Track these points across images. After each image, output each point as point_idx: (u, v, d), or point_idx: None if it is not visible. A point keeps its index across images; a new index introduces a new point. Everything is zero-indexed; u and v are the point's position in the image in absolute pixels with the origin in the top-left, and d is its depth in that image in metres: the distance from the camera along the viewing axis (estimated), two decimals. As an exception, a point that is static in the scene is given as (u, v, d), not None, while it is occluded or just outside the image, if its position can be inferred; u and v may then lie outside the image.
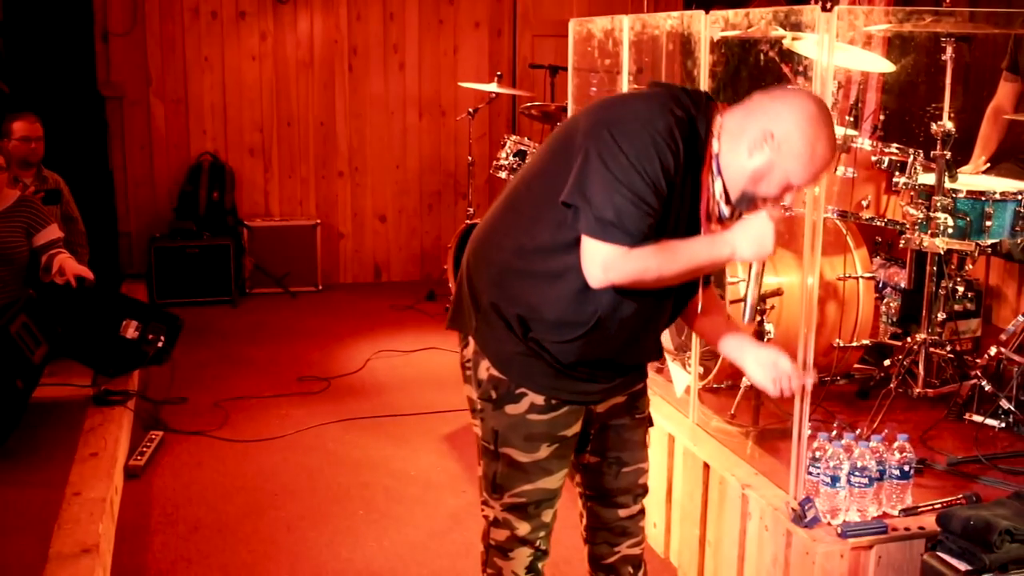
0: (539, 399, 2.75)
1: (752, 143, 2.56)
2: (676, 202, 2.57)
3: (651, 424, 3.05)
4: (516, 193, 2.77)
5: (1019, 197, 4.23)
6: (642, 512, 3.07)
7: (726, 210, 2.64)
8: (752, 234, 2.55)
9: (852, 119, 4.76)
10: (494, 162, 7.24)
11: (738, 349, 2.88)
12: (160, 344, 5.47)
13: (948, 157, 4.25)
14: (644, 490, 3.05)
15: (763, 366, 2.80)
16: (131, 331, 5.42)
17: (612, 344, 2.72)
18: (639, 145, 2.49)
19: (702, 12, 4.06)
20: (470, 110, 7.89)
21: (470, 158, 8.01)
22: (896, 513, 3.38)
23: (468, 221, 7.48)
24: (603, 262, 2.50)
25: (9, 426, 4.57)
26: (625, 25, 4.72)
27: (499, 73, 7.66)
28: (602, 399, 2.87)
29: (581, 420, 2.84)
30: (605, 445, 2.95)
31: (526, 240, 2.67)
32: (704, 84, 4.06)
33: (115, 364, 5.43)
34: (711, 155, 2.60)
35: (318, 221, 8.56)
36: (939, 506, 3.38)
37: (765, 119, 2.56)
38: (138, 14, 8.19)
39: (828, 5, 3.33)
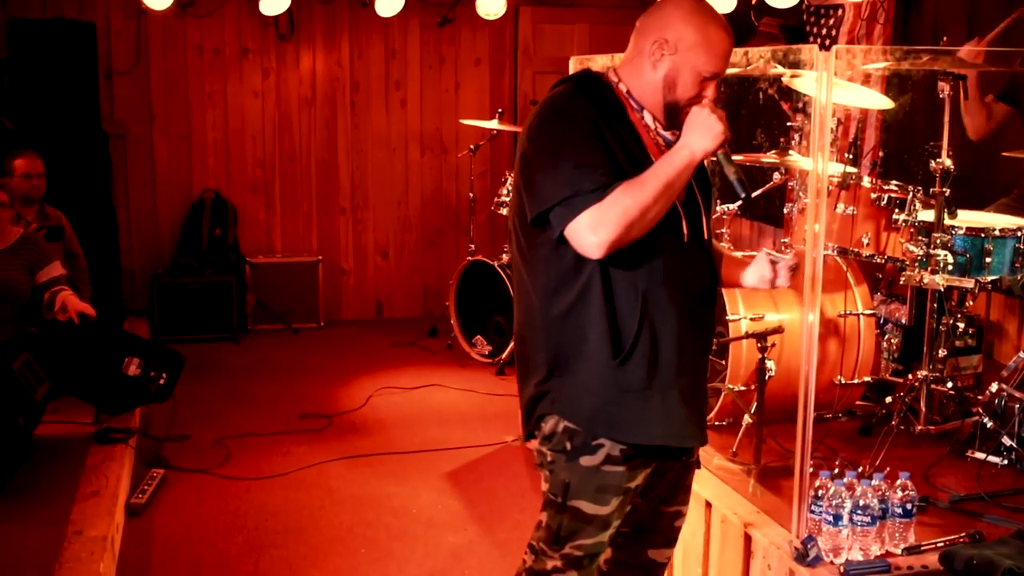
0: (616, 450, 2.73)
1: (651, 58, 2.72)
2: (621, 153, 2.65)
3: (698, 466, 3.06)
4: (516, 248, 2.82)
5: (1018, 233, 4.24)
6: (666, 564, 3.06)
7: (667, 135, 2.77)
8: (696, 128, 2.64)
9: (851, 157, 4.78)
10: (496, 199, 7.27)
11: (734, 268, 3.04)
12: (162, 381, 5.47)
13: (947, 194, 4.26)
14: (676, 534, 3.03)
15: (755, 267, 2.98)
16: (133, 368, 5.42)
17: (669, 340, 2.72)
18: (555, 127, 2.66)
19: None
20: (472, 147, 7.93)
21: (472, 195, 8.04)
22: (899, 552, 3.37)
23: (470, 258, 7.49)
24: (588, 228, 2.55)
25: (12, 464, 4.57)
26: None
27: (500, 110, 7.70)
28: (690, 435, 2.83)
29: (646, 473, 2.82)
30: (652, 490, 2.93)
31: (542, 290, 2.73)
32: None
33: (117, 401, 5.43)
34: (623, 97, 2.76)
35: (320, 257, 8.58)
36: (942, 544, 3.37)
37: (652, 32, 2.74)
38: (142, 51, 8.24)
39: (826, 44, 3.37)
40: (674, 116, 2.73)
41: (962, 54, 4.47)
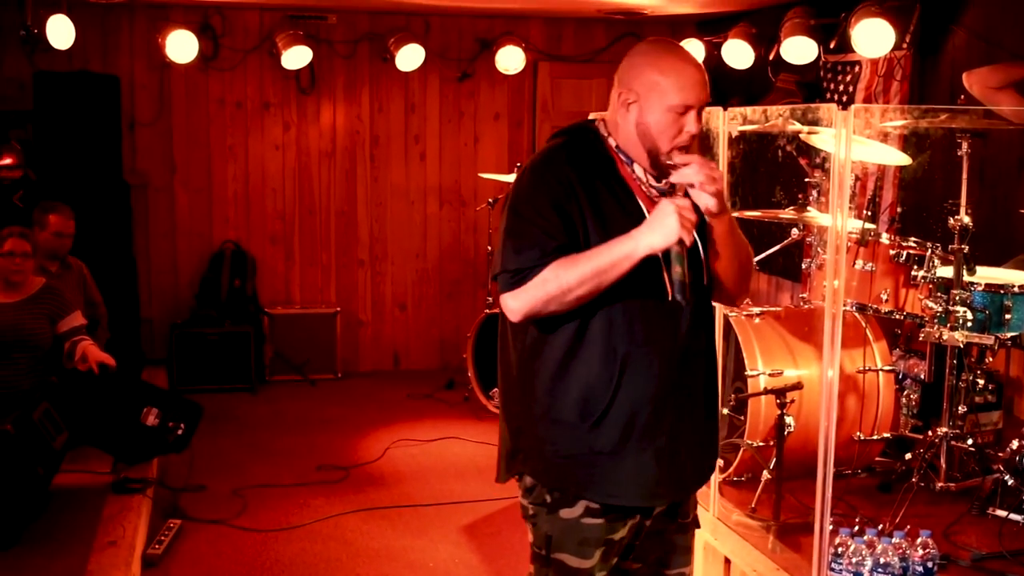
0: (595, 502, 2.73)
1: (622, 109, 2.71)
2: (592, 219, 2.64)
3: (697, 526, 3.02)
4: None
5: (1038, 291, 4.24)
6: None
7: (661, 185, 2.72)
8: (652, 221, 2.59)
9: (870, 213, 4.80)
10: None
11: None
12: (180, 432, 5.48)
13: (966, 250, 4.27)
14: None
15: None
16: (151, 418, 5.44)
17: (646, 405, 2.70)
18: (525, 191, 2.69)
19: (720, 108, 4.12)
20: (490, 200, 7.97)
21: (490, 248, 8.07)
22: (920, 610, 3.35)
23: (487, 311, 7.51)
24: (507, 300, 2.66)
25: (31, 513, 4.57)
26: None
27: (519, 164, 7.75)
28: (662, 493, 2.79)
29: (631, 525, 2.80)
30: (649, 551, 2.89)
31: (520, 348, 2.78)
32: (723, 179, 4.10)
33: (135, 451, 5.43)
34: (612, 151, 2.75)
35: (338, 309, 8.61)
36: (963, 604, 3.34)
37: (620, 82, 2.74)
38: (164, 104, 8.34)
39: (843, 101, 3.40)
40: (659, 164, 2.69)
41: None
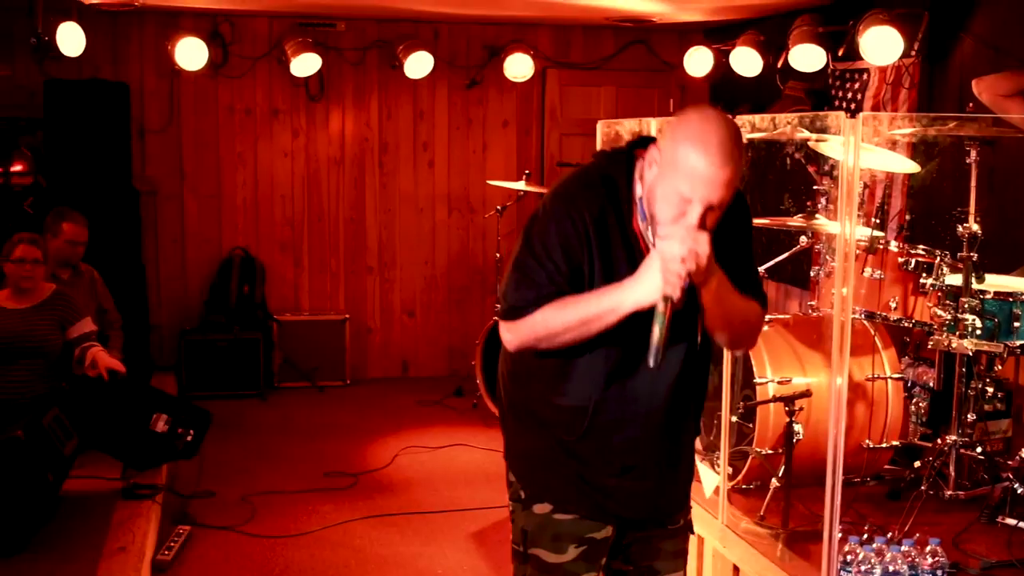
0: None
1: (647, 166, 2.62)
2: (600, 264, 2.63)
3: (691, 531, 3.02)
4: None
5: (1047, 299, 4.24)
6: None
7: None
8: (641, 274, 2.55)
9: (878, 221, 4.80)
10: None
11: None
12: (189, 438, 5.48)
13: (975, 258, 4.27)
14: None
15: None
16: (161, 425, 5.44)
17: (617, 433, 2.74)
18: (541, 234, 2.66)
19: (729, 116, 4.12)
20: (498, 207, 7.98)
21: (498, 255, 8.08)
22: (929, 619, 3.35)
23: (496, 318, 7.51)
24: (505, 328, 2.71)
25: (40, 519, 4.58)
26: (653, 128, 4.79)
27: (527, 171, 7.76)
28: (623, 515, 2.83)
29: (611, 527, 2.82)
30: (638, 555, 2.91)
31: (510, 358, 2.88)
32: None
33: (144, 457, 5.44)
34: (636, 201, 2.66)
35: (347, 316, 8.62)
36: (973, 612, 3.34)
37: (658, 137, 2.64)
38: (174, 111, 8.37)
39: (851, 108, 3.40)
40: (655, 232, 2.62)
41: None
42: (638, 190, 2.65)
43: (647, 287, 2.51)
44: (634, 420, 2.74)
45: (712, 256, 2.52)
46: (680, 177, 2.50)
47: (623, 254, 2.65)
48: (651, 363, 2.51)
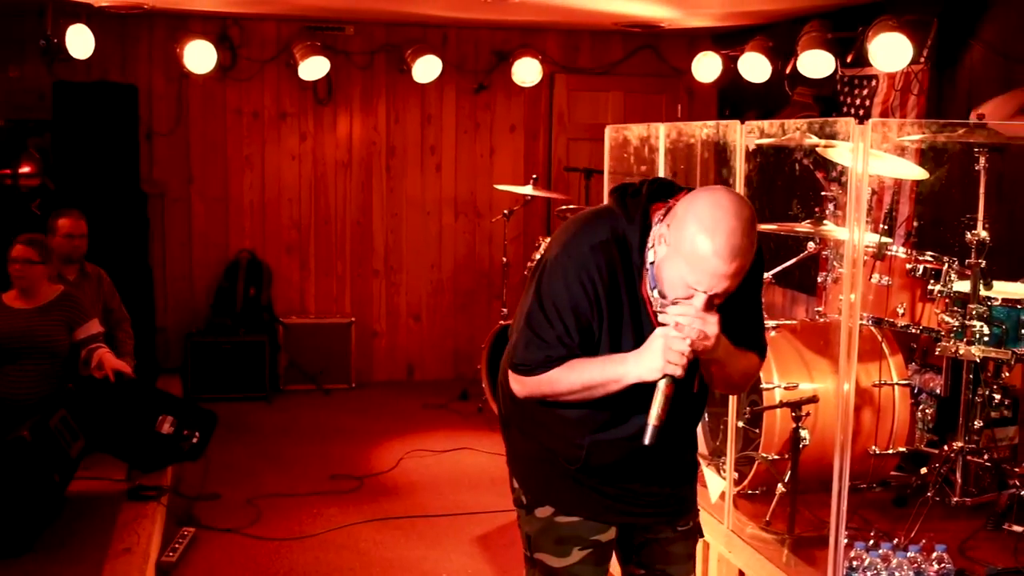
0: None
1: (658, 238, 2.57)
2: (624, 321, 2.64)
3: (700, 535, 3.02)
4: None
5: (1055, 306, 4.23)
6: None
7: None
8: (645, 350, 2.54)
9: (886, 227, 4.79)
10: (528, 264, 7.31)
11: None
12: (195, 440, 5.50)
13: (983, 265, 4.26)
14: None
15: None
16: (167, 427, 5.45)
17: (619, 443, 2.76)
18: (556, 292, 2.65)
19: (738, 122, 4.13)
20: (505, 212, 7.98)
21: (505, 259, 8.09)
22: (935, 625, 3.34)
23: (502, 322, 7.51)
24: (515, 380, 2.78)
25: (45, 520, 4.59)
26: (661, 133, 4.80)
27: (534, 176, 7.76)
28: (626, 519, 2.86)
29: (615, 528, 2.83)
30: (650, 558, 2.93)
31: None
32: (739, 191, 4.11)
33: (150, 459, 5.45)
34: (645, 263, 2.62)
35: (353, 319, 8.62)
36: (979, 619, 3.33)
37: (673, 209, 2.55)
38: (182, 114, 8.38)
39: (860, 115, 3.40)
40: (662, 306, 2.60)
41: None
42: (649, 256, 2.60)
43: (650, 364, 2.51)
44: (630, 456, 2.76)
45: (719, 334, 2.51)
46: (686, 265, 2.46)
47: (630, 320, 2.66)
48: (646, 440, 2.50)
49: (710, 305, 2.49)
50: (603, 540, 2.82)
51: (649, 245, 2.60)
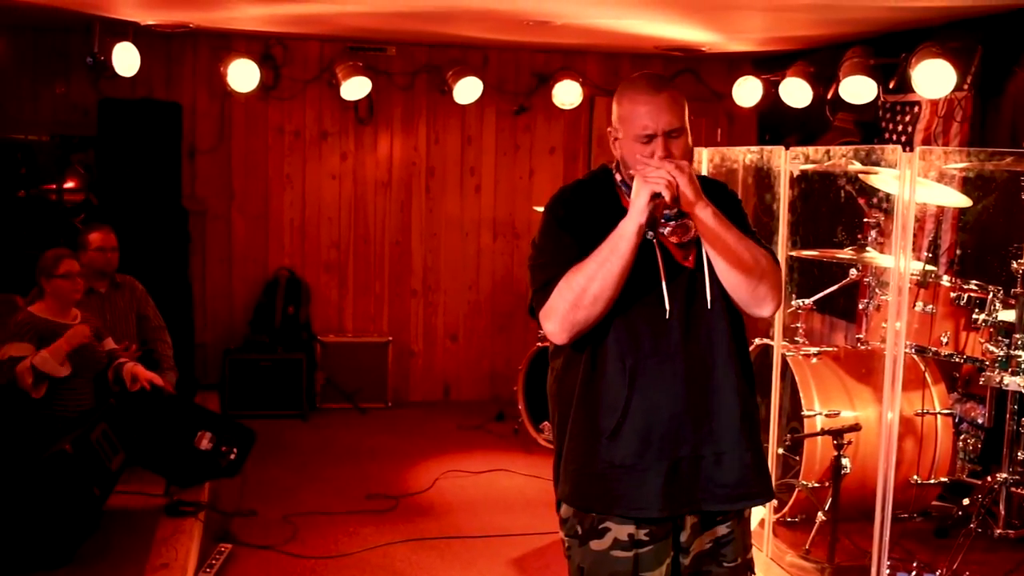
0: (623, 534, 2.74)
1: (613, 146, 2.92)
2: (611, 226, 2.72)
3: (751, 572, 2.96)
4: None
5: (1102, 338, 4.18)
6: None
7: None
8: (631, 206, 2.69)
9: (930, 255, 4.76)
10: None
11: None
12: (233, 456, 5.52)
13: (1029, 295, 4.22)
14: None
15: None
16: (205, 442, 5.48)
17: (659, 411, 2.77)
18: (539, 232, 2.92)
19: (782, 148, 4.12)
20: (544, 233, 7.97)
21: (542, 281, 8.07)
22: (978, 659, 3.30)
23: (539, 344, 7.50)
24: (544, 319, 2.79)
25: (84, 533, 4.62)
26: (704, 157, 4.79)
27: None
28: (683, 502, 2.79)
29: (667, 564, 2.80)
30: (715, 555, 2.87)
31: (555, 371, 2.95)
32: (783, 217, 4.10)
33: (188, 474, 5.48)
34: (618, 186, 2.91)
35: (390, 338, 8.64)
36: (1023, 654, 3.29)
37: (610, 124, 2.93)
38: (224, 132, 8.45)
39: (902, 141, 3.39)
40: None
41: None
42: (617, 178, 2.90)
43: (634, 209, 2.67)
44: (672, 389, 2.76)
45: (693, 176, 2.70)
46: (632, 121, 2.79)
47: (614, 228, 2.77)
48: (650, 236, 2.62)
49: (670, 152, 2.76)
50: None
51: (614, 170, 2.93)
